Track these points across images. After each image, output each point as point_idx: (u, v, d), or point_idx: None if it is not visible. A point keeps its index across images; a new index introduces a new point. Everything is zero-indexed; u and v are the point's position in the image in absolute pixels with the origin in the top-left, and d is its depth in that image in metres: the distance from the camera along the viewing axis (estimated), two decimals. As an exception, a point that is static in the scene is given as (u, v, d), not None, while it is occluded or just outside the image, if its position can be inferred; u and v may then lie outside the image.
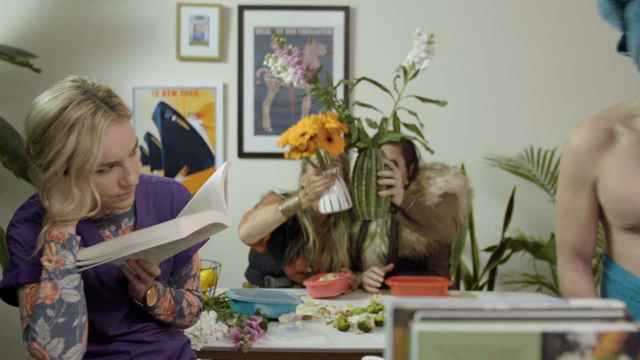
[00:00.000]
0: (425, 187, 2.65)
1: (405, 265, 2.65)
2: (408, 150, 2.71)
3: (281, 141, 2.39)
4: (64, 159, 1.36)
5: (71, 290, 1.39)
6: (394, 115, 2.43)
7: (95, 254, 1.41)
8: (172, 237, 1.35)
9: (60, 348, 1.38)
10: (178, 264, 1.66)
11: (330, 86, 2.40)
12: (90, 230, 1.52)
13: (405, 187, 2.67)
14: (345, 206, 2.44)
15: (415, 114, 2.46)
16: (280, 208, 2.52)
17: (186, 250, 1.63)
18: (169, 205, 1.63)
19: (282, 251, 2.68)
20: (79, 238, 1.44)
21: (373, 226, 2.68)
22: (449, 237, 2.56)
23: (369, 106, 2.46)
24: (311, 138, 2.32)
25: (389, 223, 2.67)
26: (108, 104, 1.40)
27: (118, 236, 1.44)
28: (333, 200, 2.44)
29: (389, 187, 2.36)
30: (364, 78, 2.43)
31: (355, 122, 2.41)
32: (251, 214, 2.63)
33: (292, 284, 2.72)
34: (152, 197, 1.62)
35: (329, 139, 2.37)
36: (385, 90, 2.40)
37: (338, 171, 2.46)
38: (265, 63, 2.43)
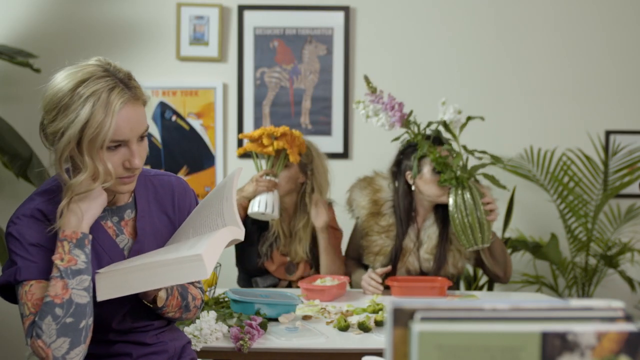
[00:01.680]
0: None
1: None
2: None
3: (243, 135, 2.65)
4: (76, 129, 1.38)
5: (81, 292, 1.39)
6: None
7: (114, 288, 1.39)
8: (197, 277, 1.35)
9: (64, 348, 1.37)
10: None
11: (416, 126, 2.56)
12: (95, 223, 1.51)
13: None
14: (274, 213, 2.58)
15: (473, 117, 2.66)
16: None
17: None
18: (170, 199, 1.64)
19: (257, 245, 2.73)
20: (91, 237, 1.44)
21: (407, 242, 2.64)
22: (507, 280, 2.67)
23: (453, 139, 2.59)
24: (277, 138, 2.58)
25: (433, 241, 2.62)
26: (126, 84, 1.46)
27: (137, 266, 1.39)
28: (268, 202, 2.57)
29: (491, 211, 2.49)
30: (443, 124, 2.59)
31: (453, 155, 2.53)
32: None
33: (279, 281, 2.73)
34: (152, 190, 1.63)
35: (290, 145, 2.62)
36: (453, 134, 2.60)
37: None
38: (354, 107, 2.58)
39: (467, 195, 2.44)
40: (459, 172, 2.47)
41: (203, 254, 1.34)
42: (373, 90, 2.51)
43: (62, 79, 1.45)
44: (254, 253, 2.72)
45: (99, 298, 1.39)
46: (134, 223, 1.57)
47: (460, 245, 2.60)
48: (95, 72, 1.43)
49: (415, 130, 2.53)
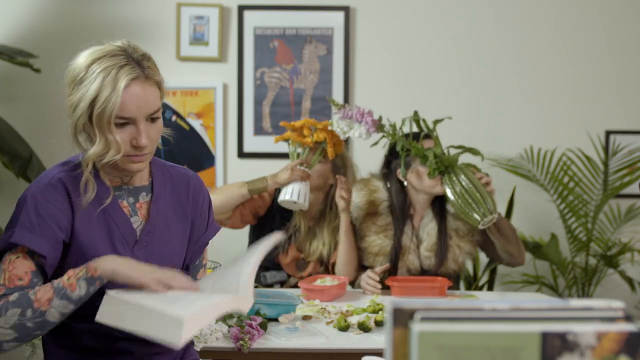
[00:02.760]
0: None
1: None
2: None
3: (284, 124, 2.73)
4: (87, 103, 1.43)
5: (57, 314, 1.39)
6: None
7: (111, 315, 1.39)
8: (168, 342, 1.30)
9: (7, 338, 1.39)
10: (194, 254, 1.69)
11: (394, 128, 2.58)
12: (111, 200, 1.53)
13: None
14: (305, 203, 2.60)
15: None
16: (247, 184, 2.65)
17: (203, 238, 1.68)
18: (186, 191, 1.66)
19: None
20: (104, 282, 1.42)
21: (405, 240, 2.64)
22: (523, 258, 2.66)
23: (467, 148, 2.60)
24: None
25: (432, 238, 2.62)
26: (138, 63, 1.50)
27: (135, 305, 1.36)
28: (301, 191, 2.60)
29: (488, 184, 2.53)
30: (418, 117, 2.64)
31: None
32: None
33: (288, 277, 2.72)
34: (169, 179, 1.65)
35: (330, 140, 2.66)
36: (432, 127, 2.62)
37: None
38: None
39: (462, 177, 2.47)
40: (443, 157, 2.51)
41: (185, 319, 1.27)
42: (339, 107, 2.55)
43: (82, 57, 1.52)
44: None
45: (97, 319, 1.38)
46: (148, 206, 1.59)
47: (460, 240, 2.60)
48: (112, 51, 1.49)
49: (391, 130, 2.55)
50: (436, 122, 2.59)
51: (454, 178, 2.48)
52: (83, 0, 3.43)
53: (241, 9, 3.43)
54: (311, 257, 2.72)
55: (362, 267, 2.78)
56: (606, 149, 3.43)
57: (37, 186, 1.48)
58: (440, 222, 2.62)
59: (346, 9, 3.42)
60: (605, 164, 3.40)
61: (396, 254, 2.62)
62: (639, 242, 3.41)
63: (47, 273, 1.47)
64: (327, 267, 2.76)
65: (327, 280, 2.54)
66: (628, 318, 0.75)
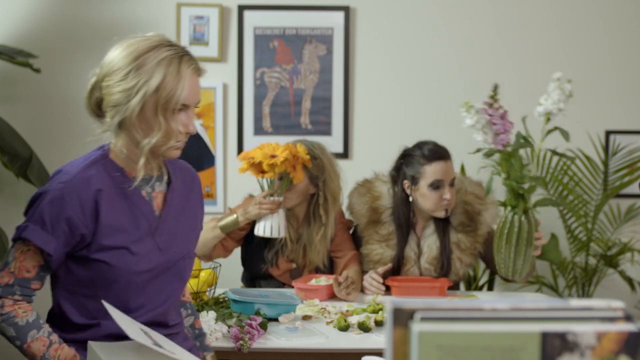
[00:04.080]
0: (477, 226, 2.60)
1: None
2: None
3: (243, 156, 2.52)
4: (150, 89, 1.46)
5: None
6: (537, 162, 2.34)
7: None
8: None
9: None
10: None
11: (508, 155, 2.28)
12: (132, 191, 1.55)
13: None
14: (280, 235, 2.53)
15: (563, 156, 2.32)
16: (219, 224, 2.58)
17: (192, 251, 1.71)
18: (190, 184, 1.70)
19: (264, 251, 2.67)
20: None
21: (407, 251, 2.62)
22: (525, 281, 2.67)
23: (562, 155, 2.32)
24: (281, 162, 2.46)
25: (433, 251, 2.60)
26: (191, 55, 1.54)
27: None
28: (274, 226, 2.52)
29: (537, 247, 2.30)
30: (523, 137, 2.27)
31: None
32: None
33: (283, 285, 2.70)
34: (180, 172, 1.69)
35: (293, 167, 2.50)
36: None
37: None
38: (462, 109, 2.22)
39: (523, 219, 2.21)
40: (528, 202, 2.24)
41: None
42: (493, 102, 2.21)
43: (133, 41, 1.52)
44: (260, 259, 2.67)
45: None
46: (163, 196, 1.62)
47: (461, 254, 2.59)
48: (164, 41, 1.52)
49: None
50: (549, 132, 2.29)
51: (515, 214, 2.21)
52: (83, 0, 3.43)
53: (241, 9, 3.43)
54: (308, 267, 2.68)
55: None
56: (606, 149, 3.43)
57: (60, 183, 1.49)
58: (443, 236, 2.59)
59: (346, 9, 3.42)
60: (605, 164, 3.40)
61: (398, 264, 2.61)
62: (639, 242, 3.41)
63: (53, 268, 1.52)
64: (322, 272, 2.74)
65: (322, 280, 2.54)
66: (628, 318, 0.75)
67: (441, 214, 2.55)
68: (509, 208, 2.25)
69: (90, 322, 1.53)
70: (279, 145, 2.50)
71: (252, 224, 2.64)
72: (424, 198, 2.53)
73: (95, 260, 1.50)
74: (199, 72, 1.54)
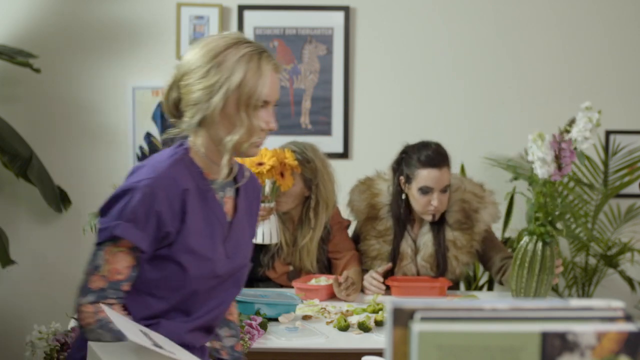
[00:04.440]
0: (473, 224, 2.59)
1: None
2: (450, 166, 2.59)
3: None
4: (233, 85, 1.45)
5: None
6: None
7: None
8: None
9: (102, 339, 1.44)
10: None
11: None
12: (209, 193, 1.53)
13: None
14: (273, 241, 2.50)
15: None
16: None
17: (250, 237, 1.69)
18: (253, 192, 1.67)
19: (260, 255, 2.65)
20: None
21: (404, 247, 2.62)
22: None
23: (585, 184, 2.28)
24: (268, 170, 2.42)
25: (428, 248, 2.60)
26: (269, 52, 1.53)
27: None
28: (266, 232, 2.48)
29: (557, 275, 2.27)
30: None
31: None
32: None
33: (281, 287, 2.69)
34: (245, 178, 1.66)
35: (281, 174, 2.46)
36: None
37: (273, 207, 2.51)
38: (532, 140, 2.11)
39: (548, 252, 2.15)
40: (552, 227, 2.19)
41: None
42: (567, 132, 2.13)
43: (211, 39, 1.51)
44: (256, 262, 2.64)
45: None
46: (233, 202, 1.60)
47: (457, 252, 2.59)
48: (242, 39, 1.51)
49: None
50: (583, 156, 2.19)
51: (538, 242, 2.15)
52: (83, 0, 3.43)
53: (241, 9, 3.43)
54: (305, 269, 2.67)
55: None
56: (606, 149, 3.43)
57: (149, 179, 1.45)
58: (438, 234, 2.59)
59: (346, 9, 3.42)
60: (605, 164, 3.40)
61: (394, 260, 2.62)
62: (639, 242, 3.41)
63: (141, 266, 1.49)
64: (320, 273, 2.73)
65: (322, 280, 2.54)
66: (628, 318, 0.75)
67: (428, 218, 2.55)
68: (527, 236, 2.19)
69: (150, 321, 1.50)
70: (268, 150, 2.47)
71: None
72: (414, 199, 2.54)
73: (171, 261, 1.47)
74: (277, 69, 1.53)
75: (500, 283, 2.63)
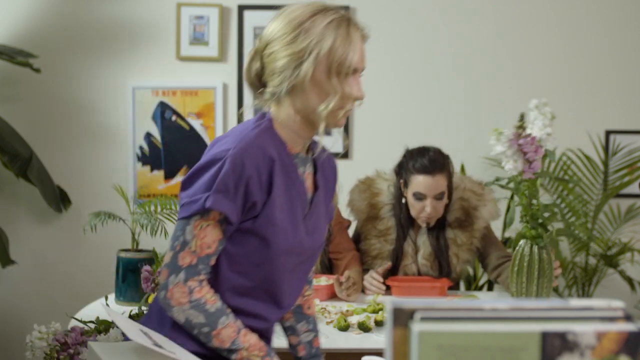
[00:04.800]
0: (473, 221, 2.59)
1: None
2: (450, 172, 2.58)
3: None
4: (324, 50, 1.41)
5: (218, 348, 1.41)
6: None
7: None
8: None
9: (180, 318, 1.40)
10: None
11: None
12: (291, 167, 1.49)
13: (447, 207, 2.58)
14: None
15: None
16: None
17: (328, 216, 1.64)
18: (329, 171, 1.63)
19: None
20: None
21: (405, 246, 2.63)
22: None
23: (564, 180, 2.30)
24: None
25: (427, 247, 2.61)
26: (356, 21, 1.50)
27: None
28: None
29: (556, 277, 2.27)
30: None
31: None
32: None
33: None
34: (322, 155, 1.62)
35: None
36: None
37: None
38: (490, 137, 2.14)
39: (544, 254, 2.16)
40: (548, 231, 2.17)
41: None
42: (522, 130, 2.11)
43: (297, 7, 1.46)
44: None
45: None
46: (312, 178, 1.57)
47: (458, 249, 2.59)
48: (327, 6, 1.47)
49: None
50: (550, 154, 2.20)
51: (534, 246, 2.15)
52: (83, 0, 3.44)
53: (241, 8, 3.43)
54: None
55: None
56: (606, 149, 3.44)
57: (237, 148, 1.39)
58: (438, 233, 2.59)
59: (346, 9, 3.42)
60: (605, 163, 3.40)
61: (396, 258, 2.62)
62: (639, 242, 3.41)
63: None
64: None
65: (322, 280, 2.54)
66: (628, 318, 0.75)
67: (422, 224, 2.57)
68: (523, 241, 2.18)
69: (237, 299, 1.45)
70: None
71: None
72: (410, 203, 2.56)
73: (255, 235, 1.42)
74: (365, 38, 1.49)
75: (495, 282, 2.64)
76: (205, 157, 1.43)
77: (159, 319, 1.48)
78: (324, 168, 1.61)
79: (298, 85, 1.43)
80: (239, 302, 1.46)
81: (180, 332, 1.45)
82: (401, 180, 2.58)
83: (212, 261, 1.42)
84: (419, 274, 2.62)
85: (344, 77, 1.43)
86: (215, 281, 1.44)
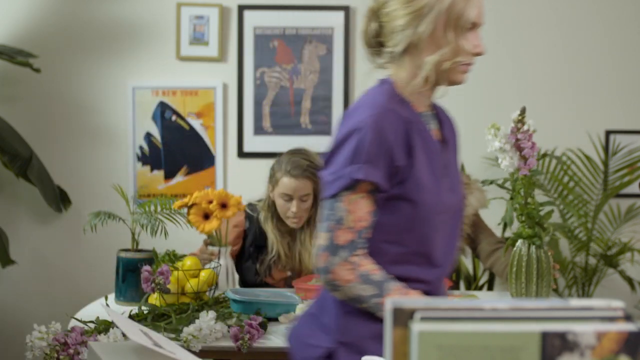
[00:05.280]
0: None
1: None
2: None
3: (181, 203, 2.44)
4: (443, 6, 1.39)
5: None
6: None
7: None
8: None
9: (351, 294, 1.40)
10: None
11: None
12: (423, 126, 1.47)
13: None
14: (229, 286, 2.44)
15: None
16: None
17: None
18: (453, 131, 1.62)
19: (256, 265, 2.65)
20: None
21: None
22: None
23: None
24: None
25: None
26: None
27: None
28: (222, 277, 2.44)
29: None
30: None
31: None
32: None
33: None
34: (443, 114, 1.62)
35: (224, 205, 2.40)
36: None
37: (227, 251, 2.46)
38: (488, 132, 2.17)
39: (542, 253, 2.16)
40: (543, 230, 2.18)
41: None
42: (522, 124, 2.13)
43: None
44: (252, 270, 2.65)
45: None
46: (439, 135, 1.55)
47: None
48: None
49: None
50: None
51: (531, 246, 2.14)
52: (83, 0, 3.43)
53: (241, 8, 3.43)
54: (305, 272, 2.63)
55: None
56: (606, 148, 3.43)
57: (373, 115, 1.40)
58: None
59: (346, 9, 3.42)
60: (605, 163, 3.40)
61: None
62: (639, 242, 3.41)
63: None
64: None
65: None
66: (628, 318, 0.75)
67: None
68: (520, 241, 2.17)
69: (395, 267, 1.44)
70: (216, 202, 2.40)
71: (244, 239, 2.65)
72: None
73: (403, 200, 1.41)
74: None
75: (489, 270, 2.64)
76: (341, 131, 1.42)
77: (337, 305, 1.47)
78: (445, 123, 1.60)
79: (415, 43, 1.43)
80: (396, 270, 1.44)
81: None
82: None
83: (368, 234, 1.40)
84: None
85: (461, 31, 1.42)
86: (374, 255, 1.43)
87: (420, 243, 1.44)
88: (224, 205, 2.39)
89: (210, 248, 2.49)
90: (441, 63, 1.43)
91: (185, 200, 2.42)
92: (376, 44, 1.51)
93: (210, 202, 2.38)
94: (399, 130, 1.40)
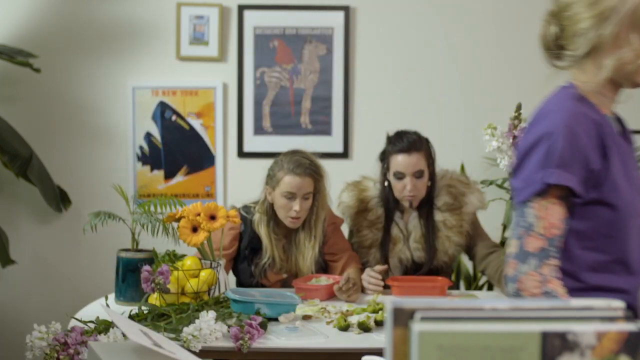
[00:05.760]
0: (462, 204, 2.64)
1: (434, 273, 2.63)
2: (429, 153, 2.65)
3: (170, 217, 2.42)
4: (628, 8, 1.37)
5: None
6: None
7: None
8: None
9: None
10: None
11: None
12: (611, 129, 1.45)
13: (430, 189, 2.63)
14: (221, 290, 2.40)
15: None
16: None
17: None
18: (630, 135, 1.58)
19: (251, 267, 2.64)
20: None
21: (395, 231, 2.66)
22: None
23: None
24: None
25: (418, 230, 2.64)
26: None
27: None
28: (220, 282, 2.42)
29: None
30: None
31: None
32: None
33: None
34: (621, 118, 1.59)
35: (212, 217, 2.38)
36: None
37: (221, 266, 2.42)
38: (485, 133, 2.16)
39: None
40: None
41: None
42: (519, 121, 2.13)
43: None
44: (247, 272, 2.65)
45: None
46: (622, 136, 1.53)
47: (448, 232, 2.62)
48: None
49: None
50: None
51: None
52: (83, 0, 3.43)
53: (241, 8, 3.43)
54: (301, 274, 2.63)
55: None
56: (606, 148, 3.43)
57: (566, 119, 1.38)
58: (427, 215, 2.64)
59: (346, 9, 3.42)
60: (605, 163, 3.39)
61: (386, 244, 2.64)
62: (639, 242, 3.41)
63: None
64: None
65: (322, 280, 2.54)
66: (628, 318, 0.75)
67: (406, 204, 2.61)
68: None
69: (592, 275, 1.40)
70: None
71: (239, 242, 2.65)
72: (392, 185, 2.62)
73: (601, 204, 1.37)
74: None
75: (482, 273, 2.67)
76: (529, 138, 1.40)
77: None
78: (625, 126, 1.56)
79: (598, 46, 1.41)
80: (598, 279, 1.40)
81: None
82: (385, 165, 2.65)
83: (561, 242, 1.36)
84: (412, 258, 2.63)
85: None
86: (569, 263, 1.39)
87: (620, 249, 1.40)
88: (212, 217, 2.38)
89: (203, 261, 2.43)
90: (624, 65, 1.41)
91: (174, 213, 2.41)
92: (556, 47, 1.50)
93: (198, 214, 2.37)
94: (592, 133, 1.38)
